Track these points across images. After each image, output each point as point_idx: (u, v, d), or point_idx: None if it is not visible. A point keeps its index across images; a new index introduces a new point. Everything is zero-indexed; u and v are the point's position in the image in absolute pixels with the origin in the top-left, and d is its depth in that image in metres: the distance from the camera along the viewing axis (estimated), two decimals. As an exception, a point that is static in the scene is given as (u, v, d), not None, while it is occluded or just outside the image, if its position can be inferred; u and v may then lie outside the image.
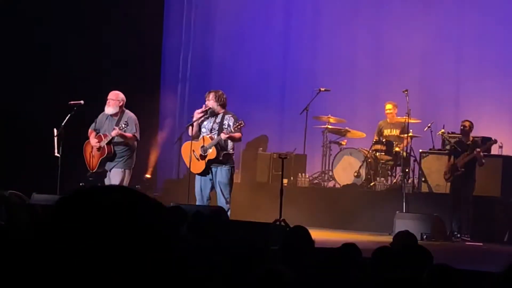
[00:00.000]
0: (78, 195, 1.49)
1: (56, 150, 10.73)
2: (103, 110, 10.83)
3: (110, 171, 10.69)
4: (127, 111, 10.72)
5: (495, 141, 12.07)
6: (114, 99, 10.65)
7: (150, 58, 15.32)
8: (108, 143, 10.59)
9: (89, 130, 10.82)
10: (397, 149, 13.23)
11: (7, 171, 12.15)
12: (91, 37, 13.63)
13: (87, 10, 13.66)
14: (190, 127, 10.63)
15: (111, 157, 10.64)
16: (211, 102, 10.56)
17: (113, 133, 10.50)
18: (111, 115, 10.69)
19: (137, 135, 10.68)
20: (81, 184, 11.77)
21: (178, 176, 14.11)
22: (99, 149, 10.65)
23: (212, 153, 10.40)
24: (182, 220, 7.03)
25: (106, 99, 10.72)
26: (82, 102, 10.89)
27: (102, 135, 10.65)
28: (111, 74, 13.41)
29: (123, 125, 10.52)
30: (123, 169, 10.66)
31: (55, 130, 10.77)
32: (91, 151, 10.75)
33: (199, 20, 16.26)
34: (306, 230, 5.67)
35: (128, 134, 10.57)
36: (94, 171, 10.79)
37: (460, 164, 11.69)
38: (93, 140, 10.68)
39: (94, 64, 13.60)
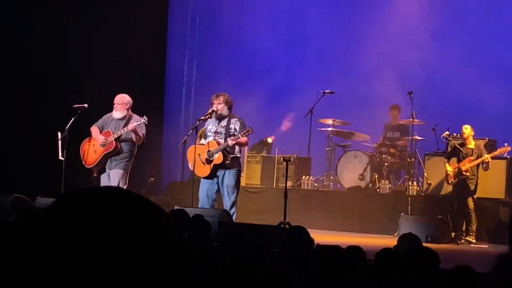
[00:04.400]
0: (74, 199, 1.39)
1: (60, 154, 10.70)
2: (106, 113, 10.79)
3: (110, 169, 10.60)
4: (134, 115, 10.65)
5: (507, 148, 11.95)
6: (121, 103, 10.56)
7: (155, 62, 15.33)
8: (116, 140, 10.52)
9: (93, 126, 10.73)
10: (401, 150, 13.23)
11: (12, 174, 12.17)
12: (94, 42, 13.65)
13: (91, 14, 13.67)
14: (194, 130, 10.62)
15: (115, 154, 10.55)
16: (221, 105, 10.44)
17: (130, 127, 10.33)
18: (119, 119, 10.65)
19: (144, 137, 10.62)
20: (85, 187, 11.76)
21: (182, 179, 14.10)
22: (104, 144, 10.57)
23: (218, 158, 10.35)
24: (185, 223, 7.02)
25: (112, 103, 10.67)
26: (86, 105, 10.86)
27: (110, 131, 10.58)
28: (115, 79, 13.42)
29: (142, 120, 10.41)
30: (124, 171, 10.58)
31: (59, 134, 10.75)
32: (93, 147, 10.64)
33: (203, 25, 16.27)
34: (305, 229, 5.68)
35: (140, 133, 10.50)
36: (90, 167, 10.69)
37: (465, 168, 11.67)
38: (100, 137, 10.58)
39: (98, 68, 13.61)
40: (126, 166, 10.59)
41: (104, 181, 10.60)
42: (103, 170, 10.73)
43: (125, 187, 10.39)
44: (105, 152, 10.51)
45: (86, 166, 10.73)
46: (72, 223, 1.34)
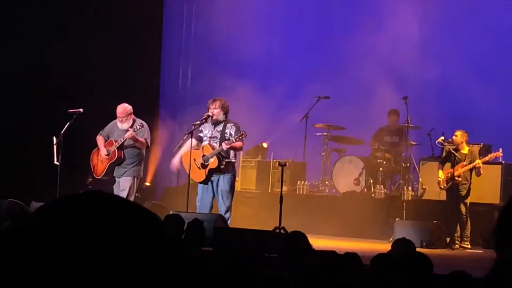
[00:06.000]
0: (57, 205, 1.40)
1: (55, 158, 10.71)
2: (102, 118, 10.80)
3: (119, 177, 10.64)
4: (137, 119, 10.68)
5: (498, 153, 11.97)
6: (125, 116, 10.59)
7: (150, 67, 15.31)
8: (119, 148, 10.55)
9: (98, 136, 10.76)
10: (396, 155, 13.25)
11: (7, 179, 12.14)
12: (89, 46, 13.63)
13: (86, 14, 13.66)
14: (189, 135, 10.61)
15: (120, 162, 10.60)
16: (217, 110, 10.44)
17: (127, 135, 10.40)
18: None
19: (149, 141, 10.67)
20: (80, 192, 11.75)
21: (178, 184, 14.08)
22: (108, 154, 10.60)
23: (213, 162, 10.35)
24: (180, 228, 7.02)
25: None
26: (81, 110, 10.87)
27: (112, 140, 10.61)
28: (110, 84, 13.42)
29: (138, 126, 10.46)
30: (132, 177, 10.62)
31: (54, 138, 10.76)
32: (99, 157, 10.70)
33: (199, 30, 16.27)
34: (304, 235, 5.68)
35: (141, 139, 10.53)
36: (100, 177, 10.74)
37: (457, 173, 11.68)
38: (103, 149, 10.63)
39: (93, 73, 13.59)
40: (135, 172, 10.64)
41: (116, 190, 10.66)
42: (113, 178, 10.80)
43: (133, 195, 10.51)
44: (110, 162, 10.61)
45: (96, 177, 10.83)
46: (62, 228, 1.35)
